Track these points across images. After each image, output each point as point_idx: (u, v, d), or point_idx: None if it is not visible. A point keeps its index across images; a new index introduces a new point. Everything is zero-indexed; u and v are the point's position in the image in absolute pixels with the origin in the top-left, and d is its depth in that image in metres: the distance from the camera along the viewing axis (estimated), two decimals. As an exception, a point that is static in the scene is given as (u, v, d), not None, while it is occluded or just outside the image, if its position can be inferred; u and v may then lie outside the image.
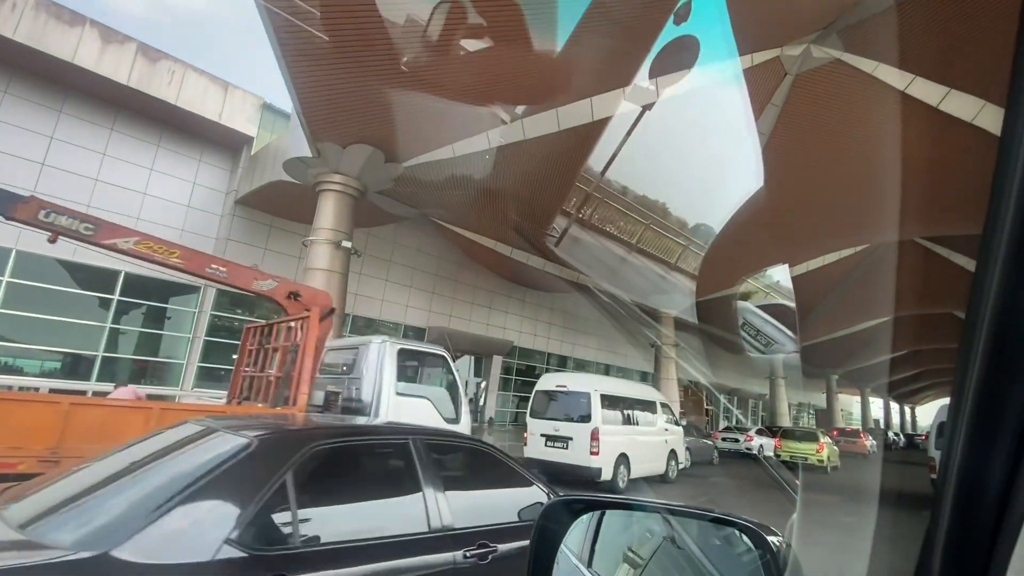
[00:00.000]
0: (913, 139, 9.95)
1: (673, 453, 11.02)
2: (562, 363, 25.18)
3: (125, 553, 1.53)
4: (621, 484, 8.96)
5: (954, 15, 8.14)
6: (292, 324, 6.27)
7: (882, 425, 48.71)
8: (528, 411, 9.82)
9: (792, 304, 23.25)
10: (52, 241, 5.37)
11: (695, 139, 18.36)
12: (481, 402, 21.35)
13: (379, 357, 6.03)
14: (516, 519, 2.71)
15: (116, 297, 13.16)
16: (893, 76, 9.42)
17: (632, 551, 1.40)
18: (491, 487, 2.92)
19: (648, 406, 10.72)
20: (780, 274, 22.68)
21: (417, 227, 18.59)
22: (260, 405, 6.22)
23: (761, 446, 17.71)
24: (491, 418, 20.90)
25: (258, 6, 7.87)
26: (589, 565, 1.35)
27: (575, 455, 8.72)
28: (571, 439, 8.84)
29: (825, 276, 19.62)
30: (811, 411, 46.19)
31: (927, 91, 9.24)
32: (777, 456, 16.99)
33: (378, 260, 18.26)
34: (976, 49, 8.32)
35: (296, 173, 12.23)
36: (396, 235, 18.69)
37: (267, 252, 15.50)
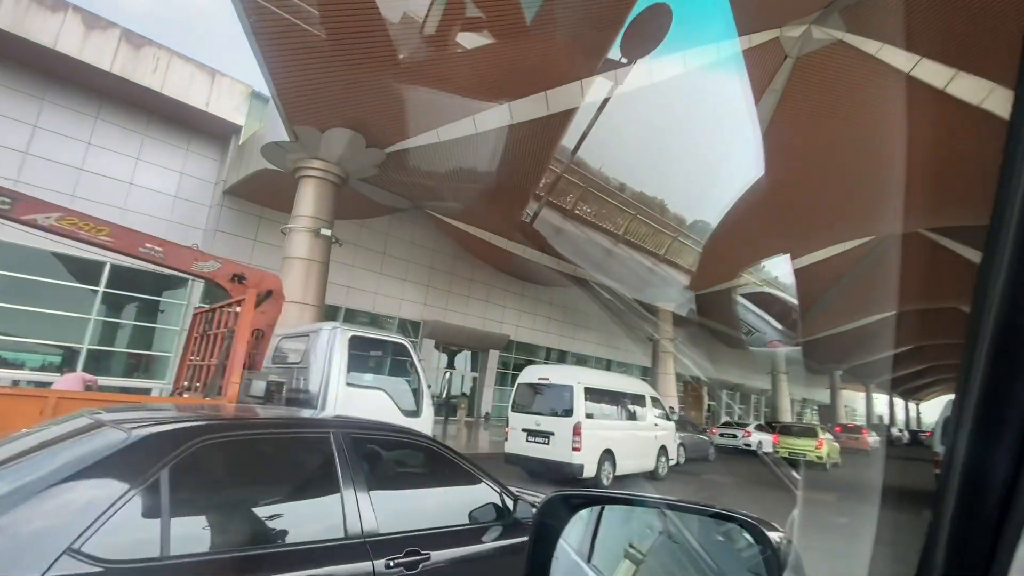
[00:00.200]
0: (918, 125, 9.56)
1: (663, 449, 10.66)
2: (560, 358, 24.89)
3: None
4: (605, 481, 8.62)
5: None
6: (238, 309, 5.84)
7: (886, 421, 48.27)
8: (510, 405, 9.43)
9: (795, 298, 22.82)
10: None
11: (690, 125, 17.90)
12: (475, 397, 21.11)
13: (328, 344, 5.64)
14: (460, 522, 2.46)
15: (101, 289, 12.94)
16: (898, 57, 9.02)
17: (632, 546, 1.39)
18: (433, 487, 2.64)
19: (637, 400, 10.32)
20: (782, 266, 22.24)
21: (411, 219, 18.28)
22: (186, 395, 5.90)
23: (760, 442, 17.33)
24: (487, 413, 20.65)
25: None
26: (588, 560, 1.34)
27: (557, 451, 8.36)
28: (553, 434, 8.47)
29: (828, 268, 19.20)
30: (815, 407, 45.76)
31: (933, 73, 8.85)
32: (776, 452, 16.66)
33: (372, 253, 17.98)
34: (984, 28, 7.94)
35: (274, 158, 11.82)
36: (390, 227, 18.38)
37: (256, 243, 15.25)
